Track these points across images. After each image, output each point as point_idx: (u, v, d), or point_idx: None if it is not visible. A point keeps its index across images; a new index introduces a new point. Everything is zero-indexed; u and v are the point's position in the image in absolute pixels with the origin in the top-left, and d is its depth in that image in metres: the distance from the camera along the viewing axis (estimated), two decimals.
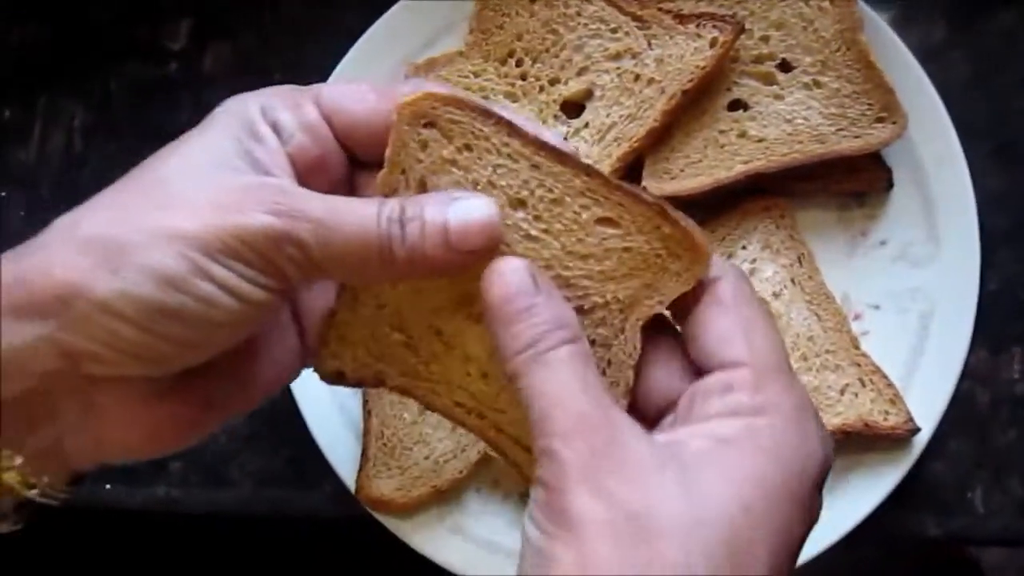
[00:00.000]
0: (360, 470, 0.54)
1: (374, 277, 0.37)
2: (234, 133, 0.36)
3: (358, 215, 0.35)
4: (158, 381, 0.35)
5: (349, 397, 0.57)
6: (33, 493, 0.35)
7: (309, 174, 0.37)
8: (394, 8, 0.58)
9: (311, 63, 0.62)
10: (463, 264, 0.35)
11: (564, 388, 0.33)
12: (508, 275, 0.35)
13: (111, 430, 0.35)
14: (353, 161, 0.39)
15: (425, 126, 0.36)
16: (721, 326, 0.35)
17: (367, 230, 0.34)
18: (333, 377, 0.40)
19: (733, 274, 0.37)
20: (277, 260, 0.34)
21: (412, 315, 0.39)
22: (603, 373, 0.37)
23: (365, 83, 0.39)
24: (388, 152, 0.36)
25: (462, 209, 0.35)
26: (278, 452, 0.61)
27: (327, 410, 0.57)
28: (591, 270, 0.37)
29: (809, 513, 0.34)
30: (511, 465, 0.39)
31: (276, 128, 0.37)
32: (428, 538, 0.55)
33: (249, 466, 0.61)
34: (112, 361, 0.33)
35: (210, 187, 0.34)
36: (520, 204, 0.37)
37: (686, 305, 0.37)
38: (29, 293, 0.32)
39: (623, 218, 0.36)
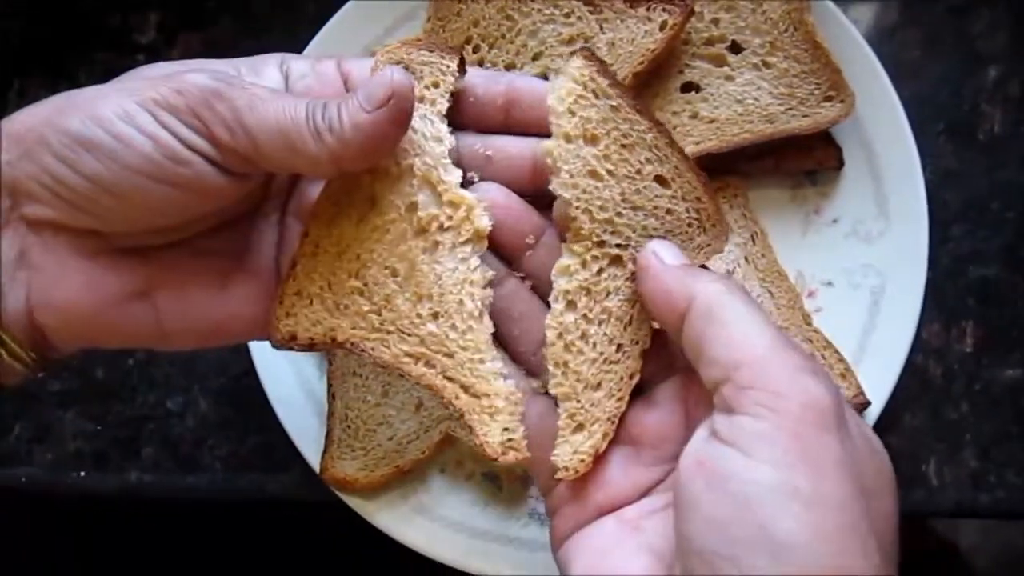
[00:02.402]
0: (324, 452, 0.55)
1: (305, 159, 0.36)
2: (236, 64, 0.39)
3: (287, 96, 0.37)
4: (95, 242, 0.37)
5: (315, 381, 0.58)
6: None
7: None
8: (350, 2, 0.59)
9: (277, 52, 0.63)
10: (387, 132, 0.37)
11: (755, 317, 0.35)
12: (673, 246, 0.38)
13: (44, 283, 0.37)
14: None
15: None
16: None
17: (296, 105, 0.36)
18: (286, 339, 0.41)
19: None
20: (205, 115, 0.36)
21: (369, 256, 0.40)
22: (625, 328, 0.39)
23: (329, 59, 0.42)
24: None
25: (373, 80, 0.37)
26: (247, 437, 0.62)
27: (293, 395, 0.57)
28: (637, 223, 0.39)
29: (847, 442, 0.33)
30: (455, 411, 0.40)
31: (287, 72, 0.40)
32: (392, 518, 0.55)
33: (219, 451, 0.62)
34: (42, 198, 0.36)
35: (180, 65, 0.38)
36: (593, 140, 0.39)
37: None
38: (8, 133, 0.36)
39: (675, 181, 0.39)
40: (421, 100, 0.40)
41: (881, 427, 0.54)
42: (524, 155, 0.41)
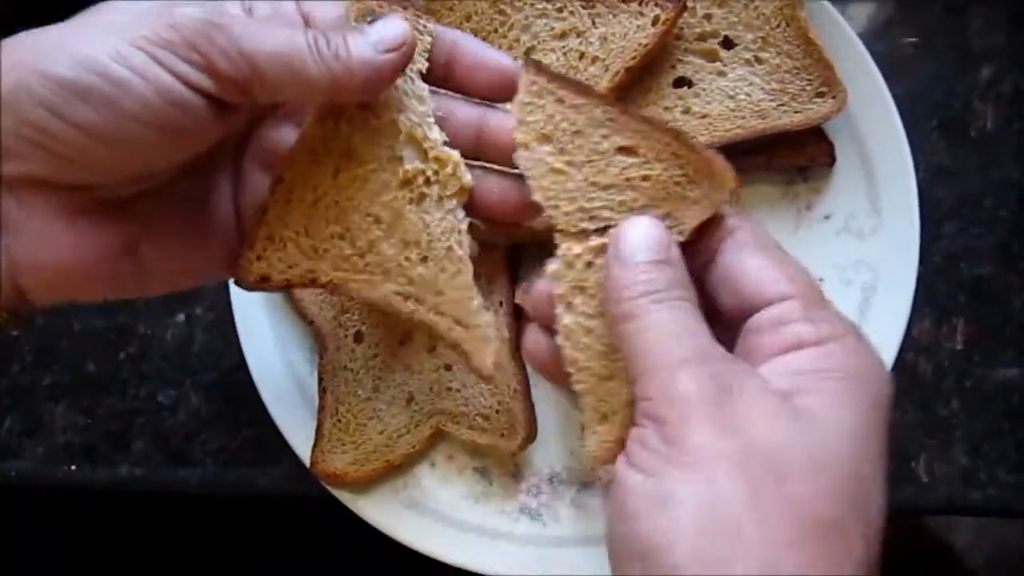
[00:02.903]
0: (315, 446, 0.55)
1: (304, 84, 0.36)
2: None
3: (288, 27, 0.36)
4: (79, 198, 0.35)
5: (306, 376, 0.58)
6: None
7: None
8: None
9: None
10: (387, 76, 0.37)
11: (686, 327, 0.33)
12: (651, 227, 0.36)
13: (27, 246, 0.35)
14: None
15: (370, 23, 0.38)
16: (755, 265, 0.35)
17: (294, 31, 0.36)
18: (257, 281, 0.41)
19: (751, 221, 0.37)
20: (204, 47, 0.33)
21: (350, 203, 0.41)
22: None
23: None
24: None
25: (375, 26, 0.37)
26: (238, 431, 0.62)
27: (284, 389, 0.57)
28: (612, 201, 0.38)
29: (889, 430, 0.33)
30: (450, 346, 0.42)
31: (249, 9, 0.37)
32: (382, 512, 0.55)
33: (210, 445, 0.62)
34: (24, 154, 0.33)
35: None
36: (546, 139, 0.39)
37: (709, 253, 0.37)
38: None
39: (641, 146, 0.38)
40: None
41: None
42: (471, 121, 0.42)
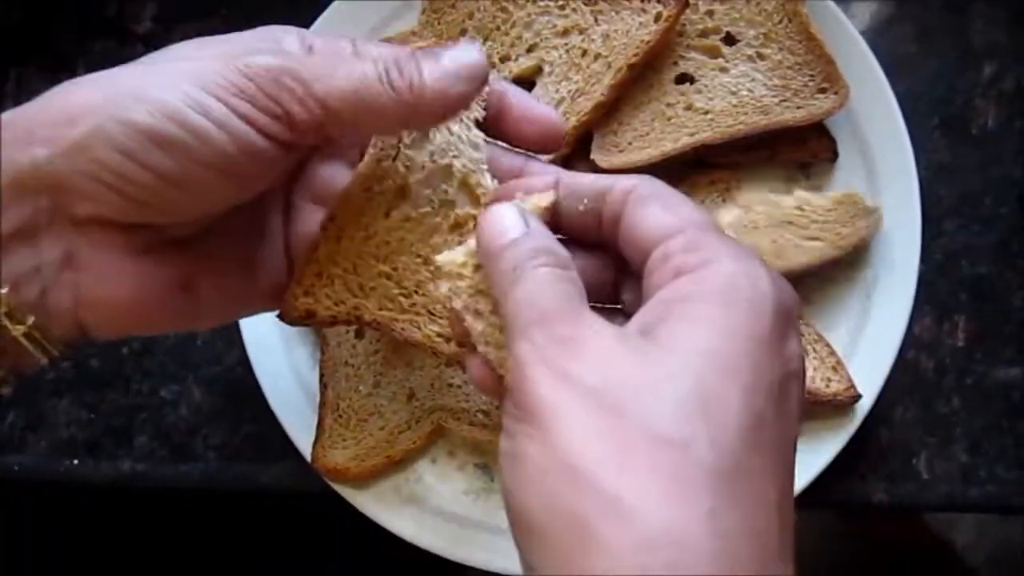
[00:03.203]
0: (316, 441, 0.55)
1: (378, 115, 0.36)
2: (259, 35, 0.37)
3: (354, 59, 0.36)
4: (144, 237, 0.36)
5: (308, 372, 0.58)
6: (20, 330, 0.35)
7: None
8: None
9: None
10: (459, 103, 0.37)
11: (534, 293, 0.33)
12: (501, 212, 0.36)
13: (92, 283, 0.36)
14: None
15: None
16: (648, 213, 0.35)
17: (365, 68, 0.36)
18: (302, 316, 0.42)
19: (645, 178, 0.37)
20: (279, 96, 0.34)
21: (400, 244, 0.41)
22: None
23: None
24: None
25: (449, 51, 0.37)
26: (240, 427, 0.62)
27: (286, 385, 0.58)
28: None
29: (780, 354, 0.31)
30: (492, 393, 0.39)
31: (309, 47, 0.38)
32: (384, 508, 0.55)
33: (212, 440, 0.62)
34: (98, 196, 0.33)
35: (222, 42, 0.36)
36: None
37: (615, 222, 0.37)
38: (28, 127, 0.33)
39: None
40: None
41: (872, 421, 0.54)
42: (513, 171, 0.42)
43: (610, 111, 0.55)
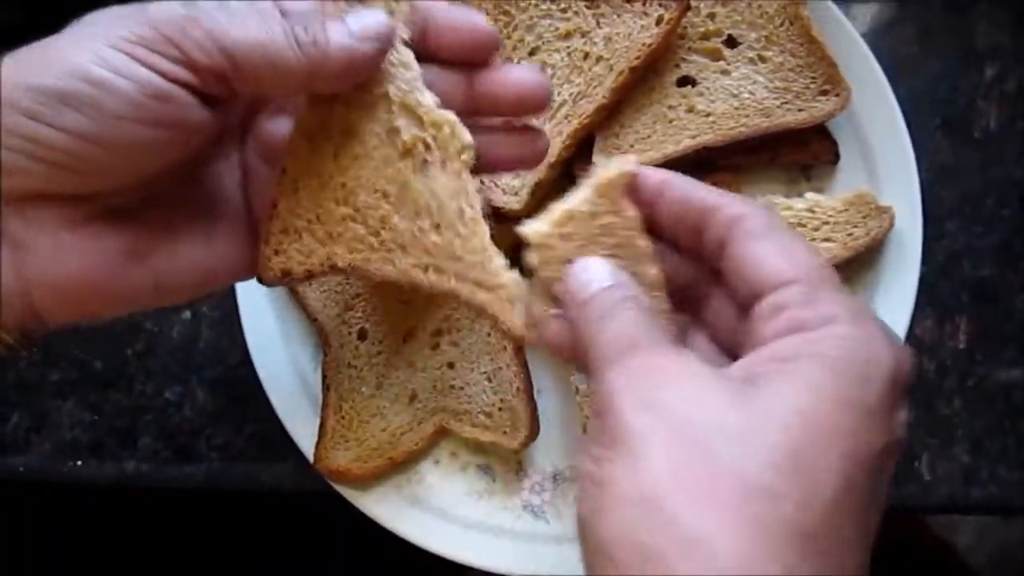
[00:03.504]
0: (318, 442, 0.56)
1: (281, 72, 0.36)
2: None
3: (267, 17, 0.36)
4: (82, 209, 0.36)
5: (310, 372, 0.58)
6: None
7: None
8: None
9: None
10: (366, 65, 0.37)
11: (625, 328, 0.33)
12: (590, 264, 0.36)
13: (36, 262, 0.35)
14: None
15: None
16: (759, 252, 0.34)
17: (272, 23, 0.36)
18: (280, 276, 0.41)
19: (756, 207, 0.36)
20: (182, 43, 0.34)
21: (356, 183, 0.41)
22: None
23: None
24: None
25: (356, 14, 0.37)
26: (243, 427, 0.62)
27: (289, 385, 0.58)
28: None
29: (885, 424, 0.31)
30: (476, 309, 0.40)
31: (225, 7, 0.37)
32: (386, 509, 0.56)
33: (215, 441, 0.62)
34: (18, 167, 0.33)
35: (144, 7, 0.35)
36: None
37: (718, 245, 0.36)
38: None
39: None
40: None
41: None
42: (458, 82, 0.41)
43: (612, 114, 0.56)
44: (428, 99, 0.40)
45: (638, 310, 0.34)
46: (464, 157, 0.40)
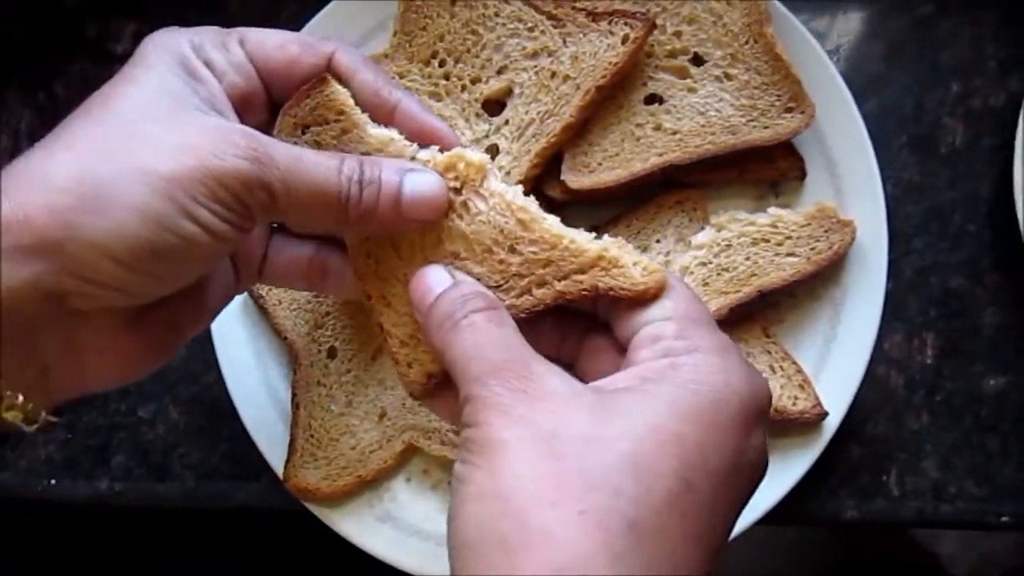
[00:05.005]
0: (288, 460, 0.56)
1: (328, 228, 0.42)
2: (174, 71, 0.39)
3: (322, 168, 0.38)
4: (132, 310, 0.38)
5: (283, 391, 0.58)
6: (33, 428, 0.37)
7: (240, 111, 0.41)
8: (327, 8, 0.59)
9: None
10: (410, 228, 0.41)
11: (478, 344, 0.36)
12: (427, 274, 0.40)
13: (92, 359, 0.38)
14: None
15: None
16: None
17: (328, 184, 0.38)
18: (426, 381, 0.43)
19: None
20: (248, 202, 0.36)
21: (427, 265, 0.42)
22: None
23: (287, 33, 0.43)
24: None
25: (415, 181, 0.40)
26: (217, 445, 0.62)
27: (261, 404, 0.58)
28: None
29: (734, 440, 0.34)
30: (593, 297, 0.40)
31: (209, 66, 0.40)
32: (358, 527, 0.56)
33: (189, 459, 0.62)
34: (98, 297, 0.35)
35: (177, 127, 0.36)
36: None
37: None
38: (16, 237, 0.33)
39: None
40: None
41: (843, 437, 0.54)
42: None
43: (580, 132, 0.56)
44: (430, 154, 0.42)
45: (483, 311, 0.37)
46: (489, 174, 0.41)
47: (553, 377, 0.35)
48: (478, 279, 0.41)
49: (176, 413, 0.63)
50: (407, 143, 0.42)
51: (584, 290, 0.40)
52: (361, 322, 0.57)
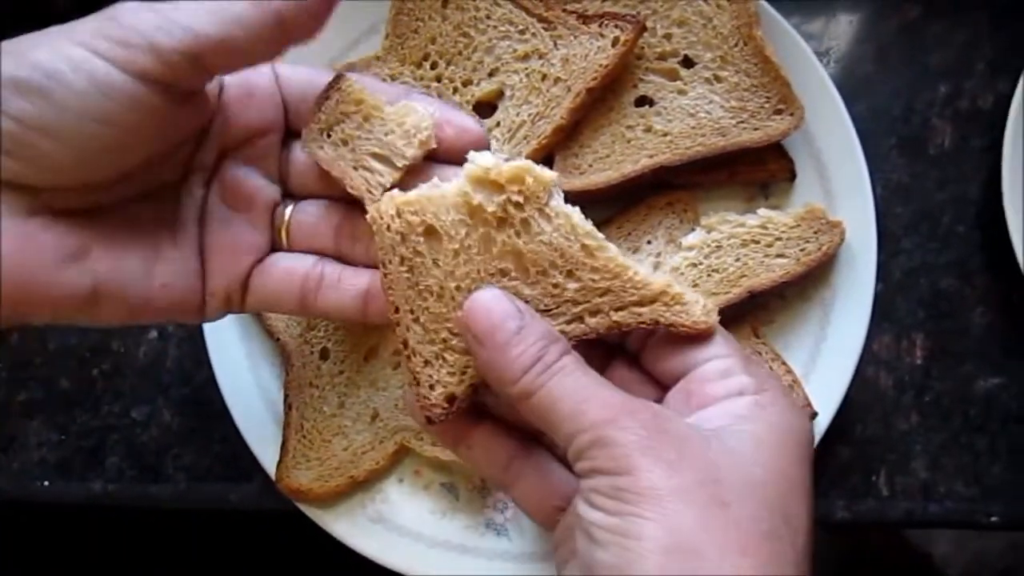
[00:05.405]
0: (280, 461, 0.56)
1: (248, 31, 0.37)
2: None
3: None
4: (31, 200, 0.36)
5: (275, 392, 0.58)
6: None
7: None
8: None
9: None
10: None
11: (587, 387, 0.37)
12: (490, 303, 0.38)
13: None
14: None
15: None
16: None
17: None
18: (447, 406, 0.41)
19: None
20: (135, 23, 0.35)
21: (469, 280, 0.40)
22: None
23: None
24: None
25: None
26: (210, 447, 0.62)
27: (253, 405, 0.58)
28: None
29: (812, 471, 0.38)
30: (648, 328, 0.41)
31: None
32: (350, 528, 0.56)
33: (182, 460, 0.62)
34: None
35: None
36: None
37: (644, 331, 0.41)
38: None
39: None
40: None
41: (833, 438, 0.55)
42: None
43: (571, 134, 0.56)
44: (490, 158, 0.39)
45: (567, 354, 0.38)
46: (554, 192, 0.39)
47: (678, 421, 0.37)
48: (526, 301, 0.39)
49: (169, 415, 0.63)
50: (424, 113, 0.42)
51: (643, 322, 0.40)
52: (353, 324, 0.57)
